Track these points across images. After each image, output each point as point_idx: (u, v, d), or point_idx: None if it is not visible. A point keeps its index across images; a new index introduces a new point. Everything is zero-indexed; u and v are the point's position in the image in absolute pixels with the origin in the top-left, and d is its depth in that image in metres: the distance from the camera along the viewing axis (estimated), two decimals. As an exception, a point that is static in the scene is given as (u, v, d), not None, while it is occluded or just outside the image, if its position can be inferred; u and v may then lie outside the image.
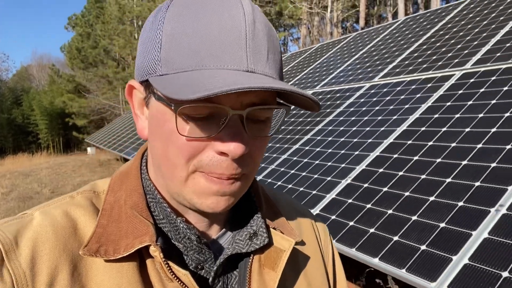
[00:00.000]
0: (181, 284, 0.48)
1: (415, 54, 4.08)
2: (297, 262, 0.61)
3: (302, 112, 4.40)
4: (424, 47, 4.14)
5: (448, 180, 2.08)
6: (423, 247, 1.73)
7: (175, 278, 0.48)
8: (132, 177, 0.55)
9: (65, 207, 0.52)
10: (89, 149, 17.26)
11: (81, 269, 0.47)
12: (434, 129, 2.62)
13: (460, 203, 1.87)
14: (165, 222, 0.53)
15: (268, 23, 0.49)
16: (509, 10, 3.75)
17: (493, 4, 4.06)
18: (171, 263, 0.48)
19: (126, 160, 8.21)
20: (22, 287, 0.43)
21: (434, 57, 3.73)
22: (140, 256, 0.50)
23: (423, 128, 2.71)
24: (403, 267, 1.68)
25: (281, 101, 0.52)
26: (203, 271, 0.53)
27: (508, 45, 3.13)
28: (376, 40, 5.33)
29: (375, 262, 1.81)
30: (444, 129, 2.54)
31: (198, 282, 0.49)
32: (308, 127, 3.90)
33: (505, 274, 1.42)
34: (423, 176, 2.22)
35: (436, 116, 2.75)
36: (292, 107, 4.61)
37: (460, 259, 1.58)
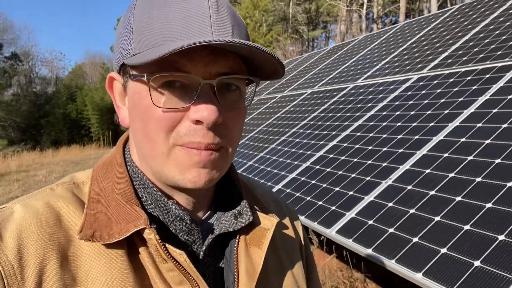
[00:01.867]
0: (176, 263, 0.48)
1: (471, 43, 3.69)
2: (275, 240, 0.65)
3: (340, 106, 4.14)
4: (481, 35, 3.72)
5: (509, 184, 1.78)
6: (476, 263, 1.48)
7: (171, 258, 0.48)
8: (117, 166, 0.56)
9: (46, 198, 0.52)
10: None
11: (69, 258, 0.47)
12: (492, 125, 2.29)
13: (524, 213, 1.58)
14: (153, 206, 0.54)
15: (232, 8, 0.52)
16: None
17: None
18: (167, 244, 0.48)
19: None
20: (11, 280, 0.43)
21: (493, 46, 3.33)
22: (129, 243, 0.50)
23: (479, 124, 2.38)
24: (456, 280, 1.43)
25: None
26: (193, 251, 0.55)
27: None
28: (427, 30, 4.93)
29: (418, 277, 1.57)
30: (505, 125, 2.21)
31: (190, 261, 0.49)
32: (346, 123, 3.64)
33: None
34: (478, 179, 1.93)
35: (495, 110, 2.42)
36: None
37: None
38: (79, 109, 29.88)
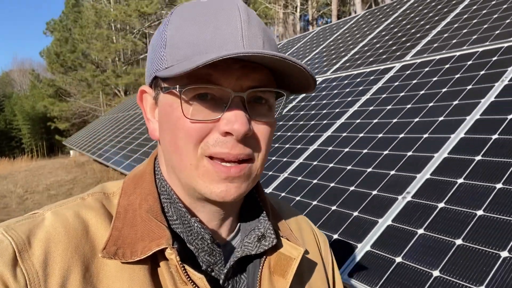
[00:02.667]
0: (195, 287, 0.48)
1: (366, 48, 4.14)
2: (301, 270, 0.62)
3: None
4: (375, 40, 4.19)
5: (369, 170, 2.13)
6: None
7: (190, 281, 0.48)
8: (146, 181, 0.56)
9: (76, 208, 0.52)
10: (72, 152, 17.10)
11: (92, 271, 0.47)
12: (367, 121, 2.67)
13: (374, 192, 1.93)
14: (178, 223, 0.54)
15: (262, 23, 0.53)
16: (453, 1, 3.82)
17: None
18: (187, 267, 0.49)
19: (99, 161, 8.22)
20: (35, 287, 0.43)
21: (381, 51, 3.79)
22: (152, 260, 0.50)
23: (358, 121, 2.76)
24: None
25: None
26: (213, 273, 0.54)
27: (445, 35, 3.20)
28: (335, 35, 5.38)
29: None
30: (375, 120, 2.59)
31: (209, 284, 0.49)
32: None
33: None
34: (349, 167, 2.27)
35: (371, 108, 2.81)
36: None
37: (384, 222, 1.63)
38: (7, 119, 27.88)
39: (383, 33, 4.25)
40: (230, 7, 0.49)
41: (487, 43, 2.65)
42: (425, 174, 1.84)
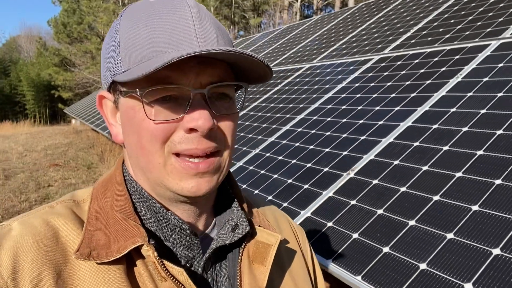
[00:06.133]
0: (175, 281, 0.48)
1: (354, 39, 4.30)
2: (281, 258, 0.63)
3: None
4: (363, 32, 4.35)
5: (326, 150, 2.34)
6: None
7: (170, 276, 0.48)
8: (116, 183, 0.56)
9: (45, 216, 0.51)
10: (73, 120, 17.37)
11: (65, 277, 0.46)
12: (336, 106, 2.87)
13: (326, 169, 2.14)
14: (152, 221, 0.54)
15: (214, 17, 0.54)
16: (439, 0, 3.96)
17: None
18: (165, 261, 0.48)
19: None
20: None
21: (366, 42, 3.95)
22: (128, 260, 0.50)
23: (329, 106, 2.96)
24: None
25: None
26: (192, 268, 0.54)
27: (424, 32, 3.36)
28: (328, 27, 5.52)
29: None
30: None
31: (190, 278, 0.49)
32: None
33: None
34: (311, 147, 2.48)
35: (343, 95, 3.00)
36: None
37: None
38: (13, 84, 28.10)
39: (372, 26, 4.41)
40: (181, 5, 0.50)
41: (456, 42, 2.82)
42: (370, 155, 2.05)
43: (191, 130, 0.48)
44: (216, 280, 0.56)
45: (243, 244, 0.57)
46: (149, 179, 0.53)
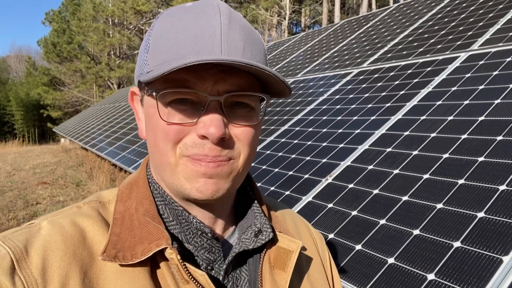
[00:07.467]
0: (197, 284, 0.49)
1: (336, 54, 4.46)
2: (300, 264, 0.64)
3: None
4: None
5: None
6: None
7: (192, 279, 0.49)
8: (140, 186, 0.57)
9: (72, 216, 0.52)
10: (62, 139, 17.30)
11: (91, 276, 0.48)
12: (318, 118, 2.98)
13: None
14: (175, 224, 0.55)
15: (248, 26, 0.54)
16: None
17: None
18: (188, 264, 0.49)
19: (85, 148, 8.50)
20: None
21: (346, 57, 4.09)
22: (152, 262, 0.51)
23: (311, 117, 3.07)
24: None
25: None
26: (213, 271, 0.55)
27: (400, 47, 3.52)
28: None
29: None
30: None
31: (211, 281, 0.49)
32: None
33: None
34: (293, 156, 2.58)
35: (324, 107, 3.11)
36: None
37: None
38: (1, 104, 27.96)
39: (353, 41, 4.58)
40: (212, 11, 0.50)
41: (428, 55, 2.97)
42: (347, 161, 2.15)
43: (203, 136, 0.49)
44: (237, 284, 0.56)
45: (265, 249, 0.58)
46: (163, 179, 0.54)
